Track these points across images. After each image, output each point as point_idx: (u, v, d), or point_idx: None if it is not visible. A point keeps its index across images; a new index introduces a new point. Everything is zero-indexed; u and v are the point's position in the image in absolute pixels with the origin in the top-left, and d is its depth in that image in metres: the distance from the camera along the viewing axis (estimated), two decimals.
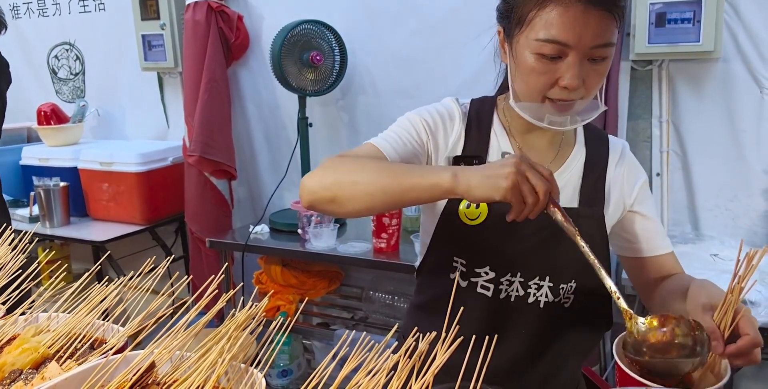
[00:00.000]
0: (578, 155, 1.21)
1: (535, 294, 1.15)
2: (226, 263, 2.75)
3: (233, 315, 0.97)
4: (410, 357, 0.79)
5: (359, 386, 0.79)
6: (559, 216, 0.94)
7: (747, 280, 0.93)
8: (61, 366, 0.94)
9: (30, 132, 3.59)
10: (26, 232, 1.31)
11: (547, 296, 1.16)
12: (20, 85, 3.79)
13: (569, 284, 1.17)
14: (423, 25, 2.62)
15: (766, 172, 2.22)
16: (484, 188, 0.89)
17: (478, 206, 1.13)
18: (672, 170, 2.37)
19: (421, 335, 0.82)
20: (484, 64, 2.50)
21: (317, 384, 0.81)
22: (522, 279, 1.15)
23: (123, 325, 1.05)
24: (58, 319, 1.09)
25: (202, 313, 0.98)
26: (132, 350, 0.94)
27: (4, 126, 3.55)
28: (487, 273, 1.14)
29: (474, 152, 1.17)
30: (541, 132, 1.18)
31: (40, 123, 3.27)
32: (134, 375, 0.86)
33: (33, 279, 1.17)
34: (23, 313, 1.12)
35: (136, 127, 3.52)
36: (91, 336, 1.05)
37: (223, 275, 1.02)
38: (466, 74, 2.58)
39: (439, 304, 1.00)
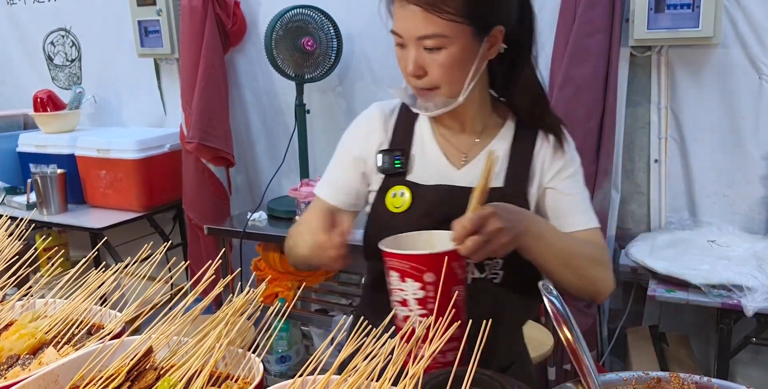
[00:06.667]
0: (505, 136, 1.25)
1: None
2: (224, 249, 2.75)
3: (230, 300, 0.97)
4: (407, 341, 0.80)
5: (356, 370, 0.80)
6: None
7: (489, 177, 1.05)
8: (58, 351, 0.95)
9: (26, 119, 3.57)
10: (23, 219, 1.31)
11: (473, 272, 1.20)
12: (16, 71, 3.78)
13: (494, 259, 1.20)
14: None
15: (764, 158, 2.22)
16: None
17: (402, 195, 1.24)
18: (670, 156, 2.36)
19: (370, 325, 0.87)
20: None
21: (315, 369, 0.82)
22: None
23: (120, 311, 1.05)
24: (55, 305, 1.10)
25: (199, 299, 0.99)
26: (129, 335, 0.94)
27: (1, 113, 3.55)
28: None
29: (400, 144, 1.28)
30: (448, 115, 1.24)
31: (36, 110, 3.25)
32: (131, 360, 0.86)
33: (30, 266, 1.17)
34: (20, 299, 1.12)
35: (133, 114, 3.50)
36: (89, 322, 1.05)
37: (220, 261, 1.02)
38: None
39: (383, 283, 1.09)
